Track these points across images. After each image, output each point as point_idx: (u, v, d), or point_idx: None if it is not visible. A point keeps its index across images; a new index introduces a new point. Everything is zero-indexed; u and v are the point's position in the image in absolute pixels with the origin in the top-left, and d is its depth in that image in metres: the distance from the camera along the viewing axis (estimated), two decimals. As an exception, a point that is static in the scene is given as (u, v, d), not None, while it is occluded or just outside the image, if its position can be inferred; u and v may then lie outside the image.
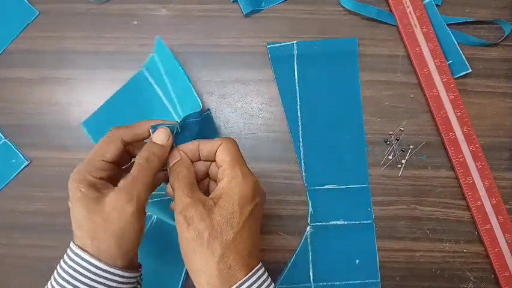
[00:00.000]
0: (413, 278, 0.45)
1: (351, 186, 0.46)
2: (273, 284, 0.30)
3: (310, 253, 0.44)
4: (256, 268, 0.29)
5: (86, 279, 0.28)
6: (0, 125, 0.47)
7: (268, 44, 0.47)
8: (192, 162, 0.33)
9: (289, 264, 0.44)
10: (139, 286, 0.33)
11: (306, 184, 0.46)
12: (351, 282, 0.44)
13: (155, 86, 0.46)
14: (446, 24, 0.48)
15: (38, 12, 0.49)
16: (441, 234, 0.45)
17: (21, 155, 0.46)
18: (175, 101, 0.45)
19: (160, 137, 0.32)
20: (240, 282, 0.28)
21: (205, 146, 0.33)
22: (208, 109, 0.39)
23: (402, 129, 0.47)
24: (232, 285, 0.28)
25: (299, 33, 0.48)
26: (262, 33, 0.48)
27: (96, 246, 0.29)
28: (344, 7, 0.48)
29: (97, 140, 0.44)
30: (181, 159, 0.32)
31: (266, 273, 0.30)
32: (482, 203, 0.45)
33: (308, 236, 0.45)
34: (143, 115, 0.37)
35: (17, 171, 0.46)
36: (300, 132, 0.46)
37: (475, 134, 0.46)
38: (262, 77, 0.48)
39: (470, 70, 0.47)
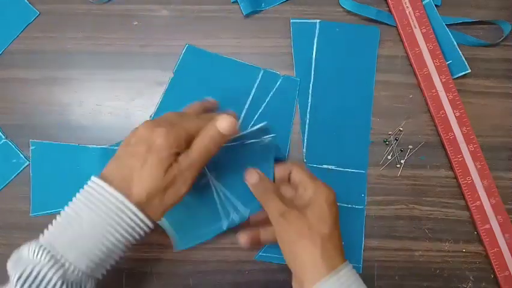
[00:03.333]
0: (412, 277, 0.45)
1: (349, 170, 0.46)
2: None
3: None
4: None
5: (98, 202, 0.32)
6: (1, 125, 0.47)
7: (292, 19, 0.48)
8: None
9: None
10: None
11: (305, 160, 0.46)
12: None
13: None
14: (446, 25, 0.48)
15: (38, 13, 0.49)
16: (440, 234, 0.46)
17: (21, 155, 0.46)
18: None
19: (223, 125, 0.34)
20: (342, 265, 0.34)
21: (280, 169, 0.40)
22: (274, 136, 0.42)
23: (401, 129, 0.47)
24: (334, 268, 0.33)
25: (299, 34, 0.48)
26: (262, 33, 0.49)
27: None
28: (343, 8, 0.49)
29: None
30: (260, 177, 0.38)
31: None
32: (482, 202, 0.45)
33: None
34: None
35: (18, 171, 0.46)
36: (309, 109, 0.47)
37: (474, 134, 0.46)
38: (262, 77, 0.48)
39: (469, 70, 0.47)
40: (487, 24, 0.49)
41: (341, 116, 0.47)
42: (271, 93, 0.47)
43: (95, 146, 0.46)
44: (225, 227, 0.42)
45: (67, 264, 0.31)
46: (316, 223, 0.34)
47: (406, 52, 0.48)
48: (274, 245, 0.38)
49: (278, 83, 0.47)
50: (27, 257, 0.31)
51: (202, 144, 0.34)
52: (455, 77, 0.47)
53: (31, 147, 0.46)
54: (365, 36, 0.48)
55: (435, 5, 0.48)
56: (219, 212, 0.43)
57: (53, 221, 0.33)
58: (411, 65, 0.48)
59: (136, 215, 0.32)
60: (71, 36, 0.49)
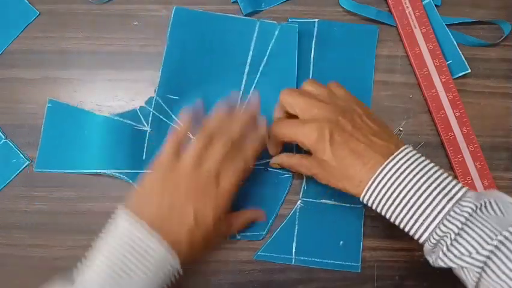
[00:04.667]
0: (412, 277, 0.45)
1: None
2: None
3: (296, 227, 0.45)
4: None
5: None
6: (1, 125, 0.47)
7: (290, 19, 0.48)
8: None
9: (275, 233, 0.45)
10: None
11: None
12: (331, 261, 0.44)
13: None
14: (446, 25, 0.48)
15: (38, 13, 0.49)
16: (440, 234, 0.46)
17: (21, 155, 0.46)
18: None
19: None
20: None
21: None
22: None
23: (401, 129, 0.47)
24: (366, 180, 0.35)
25: (299, 34, 0.48)
26: (262, 33, 0.49)
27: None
28: (343, 7, 0.49)
29: None
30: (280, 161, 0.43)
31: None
32: (481, 202, 0.45)
33: (297, 210, 0.45)
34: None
35: (18, 171, 0.46)
36: None
37: (474, 134, 0.46)
38: (262, 77, 0.48)
39: (469, 70, 0.47)
40: (487, 24, 0.49)
41: None
42: (271, 44, 0.47)
43: (102, 114, 0.47)
44: None
45: None
46: (325, 158, 0.36)
47: (406, 52, 0.48)
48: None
49: (276, 33, 0.47)
50: None
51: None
52: (455, 77, 0.47)
53: (47, 105, 0.47)
54: (363, 36, 0.48)
55: (435, 5, 0.48)
56: None
57: (94, 269, 0.33)
58: (411, 65, 0.48)
59: (179, 273, 0.36)
60: (71, 36, 0.49)
